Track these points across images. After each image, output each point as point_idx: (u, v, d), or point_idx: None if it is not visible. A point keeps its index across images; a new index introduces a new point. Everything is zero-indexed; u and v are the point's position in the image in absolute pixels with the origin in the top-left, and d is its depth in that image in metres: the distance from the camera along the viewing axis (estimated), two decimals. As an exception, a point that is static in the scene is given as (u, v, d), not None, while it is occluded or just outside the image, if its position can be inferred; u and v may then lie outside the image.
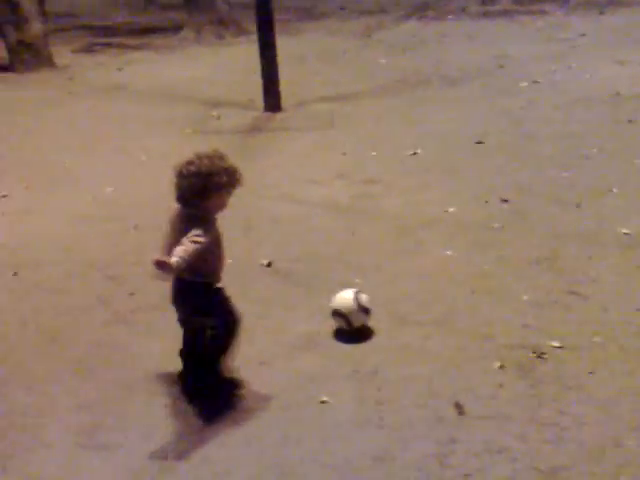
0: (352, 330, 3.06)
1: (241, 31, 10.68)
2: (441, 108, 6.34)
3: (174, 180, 2.55)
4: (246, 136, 6.03)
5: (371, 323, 3.10)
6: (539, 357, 2.82)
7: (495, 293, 3.34)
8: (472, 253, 3.74)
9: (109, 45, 10.56)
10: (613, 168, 4.72)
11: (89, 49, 10.45)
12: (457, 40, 9.27)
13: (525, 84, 6.84)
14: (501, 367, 2.78)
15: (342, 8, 12.47)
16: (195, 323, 2.67)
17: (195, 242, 2.44)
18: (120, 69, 9.02)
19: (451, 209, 4.26)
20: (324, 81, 7.66)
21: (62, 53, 9.96)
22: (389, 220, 4.22)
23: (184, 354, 2.80)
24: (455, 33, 9.70)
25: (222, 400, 2.73)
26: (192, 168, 2.50)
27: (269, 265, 3.71)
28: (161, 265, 2.36)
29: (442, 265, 3.64)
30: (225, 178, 2.52)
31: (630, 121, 5.58)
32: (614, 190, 4.35)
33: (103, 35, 11.55)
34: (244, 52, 8.74)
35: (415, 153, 5.25)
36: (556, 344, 2.89)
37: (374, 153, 5.33)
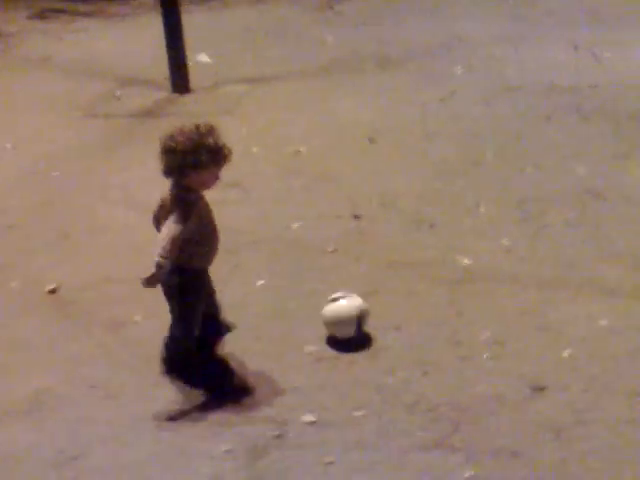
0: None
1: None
2: (356, 97, 5.79)
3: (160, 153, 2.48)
4: (136, 121, 5.58)
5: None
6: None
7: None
8: (285, 284, 3.30)
9: (62, 11, 10.12)
10: (495, 179, 4.21)
11: (42, 15, 10.03)
12: (417, 16, 8.58)
13: (460, 71, 6.26)
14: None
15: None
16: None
17: (170, 237, 2.39)
18: (61, 39, 8.61)
19: (295, 225, 3.81)
20: (255, 59, 7.11)
21: (17, 19, 9.57)
22: (227, 235, 3.78)
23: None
24: (419, 8, 9.02)
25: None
26: (171, 144, 2.43)
27: (53, 291, 3.31)
28: (150, 281, 2.40)
29: (253, 297, 3.22)
30: (204, 157, 2.40)
31: (548, 118, 5.01)
32: (481, 209, 3.84)
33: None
34: (199, 21, 8.26)
35: (298, 151, 4.78)
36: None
37: (255, 149, 4.86)
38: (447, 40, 7.28)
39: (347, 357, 2.82)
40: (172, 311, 2.67)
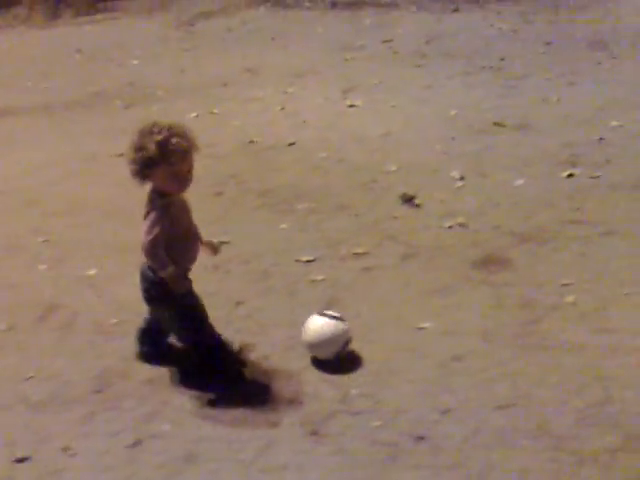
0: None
1: (89, 9, 9.95)
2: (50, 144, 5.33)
3: None
4: None
5: None
6: None
7: None
8: None
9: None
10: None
11: None
12: (256, 39, 8.09)
13: (194, 115, 5.79)
14: None
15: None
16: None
17: (146, 244, 2.41)
18: None
19: None
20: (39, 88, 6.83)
21: None
22: None
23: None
24: (267, 28, 8.49)
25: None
26: (129, 143, 2.42)
27: None
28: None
29: None
30: (152, 154, 2.35)
31: (219, 194, 4.34)
32: None
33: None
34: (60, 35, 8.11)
35: None
36: None
37: None
38: (237, 74, 6.81)
39: None
40: (172, 321, 2.64)
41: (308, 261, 3.51)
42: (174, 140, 2.38)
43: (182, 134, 2.43)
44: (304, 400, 2.55)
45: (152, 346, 2.81)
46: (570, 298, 3.04)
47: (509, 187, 4.15)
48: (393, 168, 4.53)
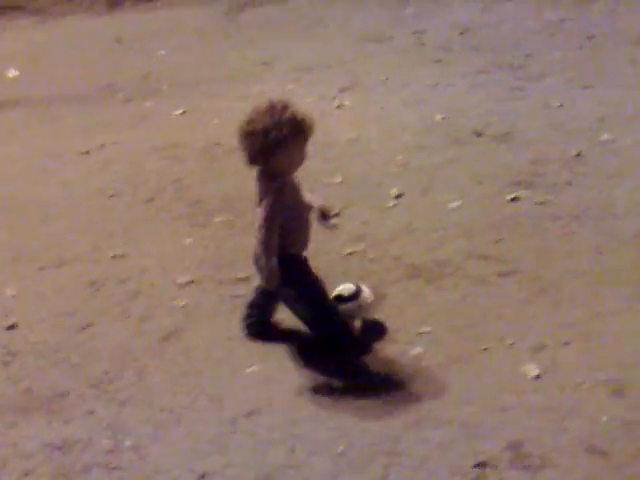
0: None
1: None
2: None
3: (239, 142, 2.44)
4: None
5: None
6: None
7: None
8: None
9: None
10: None
11: None
12: (290, 30, 7.81)
13: (180, 111, 5.67)
14: None
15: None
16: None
17: (263, 228, 2.39)
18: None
19: None
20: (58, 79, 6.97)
21: None
22: None
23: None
24: (306, 17, 8.16)
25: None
26: (249, 127, 2.38)
27: None
28: (269, 283, 2.46)
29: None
30: (287, 131, 2.33)
31: (149, 200, 4.13)
32: None
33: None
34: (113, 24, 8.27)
35: None
36: None
37: None
38: (249, 66, 6.64)
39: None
40: (299, 302, 2.63)
41: (185, 283, 3.33)
42: (302, 114, 2.36)
43: (298, 109, 2.40)
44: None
45: (260, 320, 2.80)
46: (416, 350, 2.69)
47: (441, 210, 3.76)
48: (338, 180, 4.23)
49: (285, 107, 2.37)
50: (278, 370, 2.66)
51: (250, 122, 2.38)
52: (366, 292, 2.74)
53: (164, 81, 6.41)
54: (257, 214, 2.44)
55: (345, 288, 2.73)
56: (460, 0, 8.11)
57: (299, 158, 2.43)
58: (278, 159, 2.38)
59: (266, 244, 2.40)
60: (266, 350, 2.77)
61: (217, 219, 3.90)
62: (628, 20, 6.68)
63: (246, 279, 3.26)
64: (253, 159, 2.43)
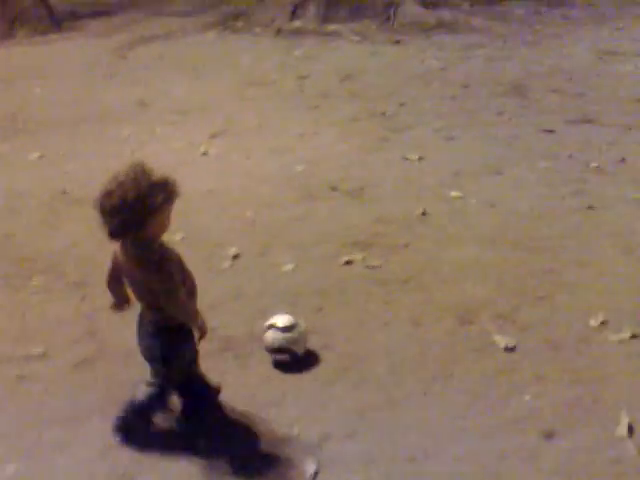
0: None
1: (47, 29, 9.84)
2: None
3: (99, 218, 2.23)
4: None
5: None
6: None
7: None
8: None
9: None
10: None
11: None
12: (177, 69, 7.76)
13: (37, 155, 5.45)
14: None
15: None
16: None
17: (171, 300, 2.28)
18: None
19: None
20: None
21: None
22: None
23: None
24: (196, 56, 8.15)
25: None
26: (115, 201, 2.17)
27: None
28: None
29: None
30: (160, 198, 2.20)
31: None
32: None
33: None
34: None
35: None
36: None
37: None
38: (183, 103, 6.51)
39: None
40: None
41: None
42: (166, 177, 2.24)
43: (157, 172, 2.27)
44: None
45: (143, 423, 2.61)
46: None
47: (274, 273, 3.68)
48: (178, 237, 4.10)
49: (146, 173, 2.23)
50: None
51: (110, 195, 2.19)
52: (302, 324, 2.90)
53: (31, 121, 6.21)
54: (157, 289, 2.29)
55: (280, 319, 2.86)
56: (350, 43, 8.18)
57: (168, 221, 2.32)
58: (150, 227, 2.25)
59: (183, 308, 2.32)
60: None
61: (35, 282, 3.71)
62: (504, 69, 6.81)
63: (42, 356, 3.09)
64: (122, 231, 2.25)
